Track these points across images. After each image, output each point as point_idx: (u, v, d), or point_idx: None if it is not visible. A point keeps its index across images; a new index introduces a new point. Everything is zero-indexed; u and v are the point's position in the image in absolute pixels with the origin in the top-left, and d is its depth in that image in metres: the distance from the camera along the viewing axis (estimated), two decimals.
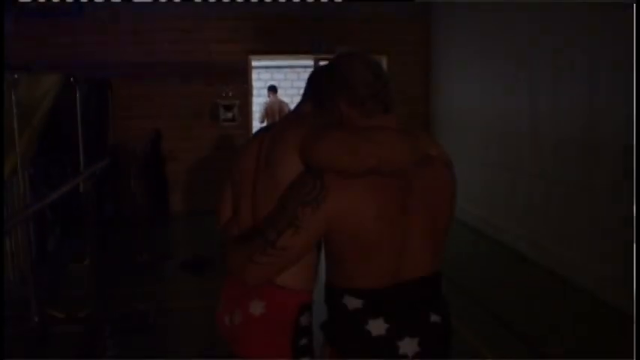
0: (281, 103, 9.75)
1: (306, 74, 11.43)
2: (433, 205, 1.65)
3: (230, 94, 7.90)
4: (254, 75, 10.23)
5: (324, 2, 7.54)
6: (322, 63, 8.71)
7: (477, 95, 7.00)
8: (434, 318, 1.64)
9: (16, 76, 3.89)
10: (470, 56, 7.17)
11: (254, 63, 8.89)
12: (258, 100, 10.69)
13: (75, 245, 5.60)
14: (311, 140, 1.61)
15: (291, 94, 10.85)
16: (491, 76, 6.67)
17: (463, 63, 7.39)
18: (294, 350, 1.75)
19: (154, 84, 7.69)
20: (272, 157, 1.75)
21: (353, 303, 1.61)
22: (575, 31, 5.08)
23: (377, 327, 1.59)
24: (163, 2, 7.26)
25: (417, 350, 1.61)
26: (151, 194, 7.26)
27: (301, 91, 2.06)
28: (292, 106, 2.14)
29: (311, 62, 8.88)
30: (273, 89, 9.82)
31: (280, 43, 7.96)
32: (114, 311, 4.28)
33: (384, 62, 8.36)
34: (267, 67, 10.78)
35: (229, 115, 7.85)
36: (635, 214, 3.14)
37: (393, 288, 1.60)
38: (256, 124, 9.04)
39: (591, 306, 4.52)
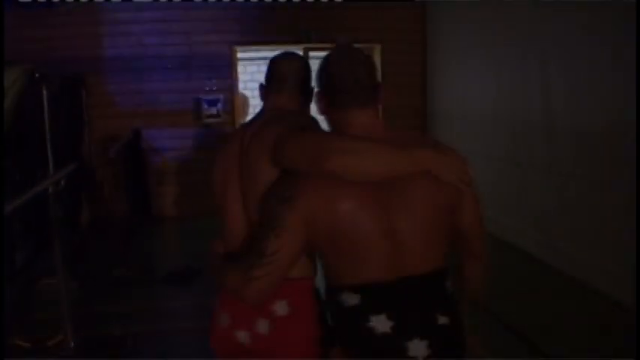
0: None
1: None
2: (431, 200, 1.55)
3: (214, 88, 7.37)
4: (239, 68, 9.69)
5: None
6: (312, 54, 8.22)
7: (481, 85, 6.55)
8: (442, 319, 1.53)
9: None
10: (471, 43, 6.71)
11: (240, 55, 8.38)
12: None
13: (49, 260, 5.07)
14: (280, 140, 1.61)
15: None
16: (497, 63, 6.19)
17: (463, 50, 6.93)
18: (326, 337, 1.69)
19: (131, 79, 7.15)
20: (251, 157, 1.72)
21: (351, 299, 1.54)
22: (593, 18, 4.62)
23: (381, 324, 1.50)
24: None
25: (428, 353, 1.50)
26: (130, 199, 6.75)
27: None
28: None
29: (299, 53, 8.39)
30: None
31: (267, 33, 7.45)
32: (88, 336, 3.78)
33: (377, 51, 7.88)
34: (252, 60, 10.23)
35: (213, 110, 7.32)
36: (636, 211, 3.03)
37: (392, 283, 1.52)
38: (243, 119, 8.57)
39: (605, 309, 4.22)
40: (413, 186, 1.52)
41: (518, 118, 5.78)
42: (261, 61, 10.35)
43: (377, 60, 7.93)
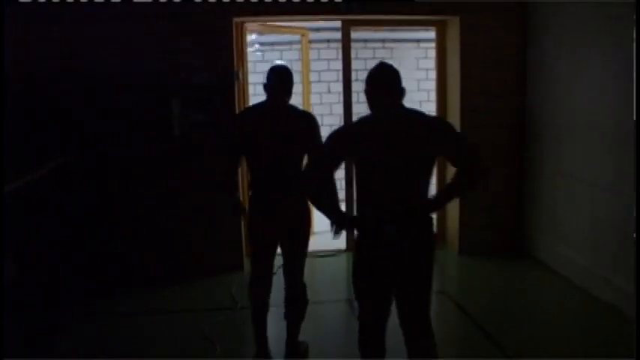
0: None
1: (329, 52, 8.33)
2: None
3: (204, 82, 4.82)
4: (253, 55, 7.15)
5: None
6: (354, 34, 5.63)
7: (598, 86, 4.18)
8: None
9: None
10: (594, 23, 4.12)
11: (251, 37, 5.86)
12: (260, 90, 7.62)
13: None
14: None
15: (311, 81, 7.73)
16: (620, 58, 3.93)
17: (586, 31, 4.31)
18: None
19: (78, 76, 4.68)
20: None
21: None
22: None
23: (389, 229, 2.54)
24: None
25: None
26: (72, 254, 4.33)
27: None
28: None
29: (336, 33, 5.83)
30: None
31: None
32: None
33: (454, 28, 5.25)
34: (272, 44, 7.68)
35: (201, 117, 4.77)
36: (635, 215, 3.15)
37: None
38: None
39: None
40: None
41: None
42: (284, 46, 7.78)
43: (453, 41, 5.28)
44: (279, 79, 3.16)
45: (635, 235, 3.67)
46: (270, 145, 3.12)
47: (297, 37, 6.59)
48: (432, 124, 2.65)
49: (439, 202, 2.78)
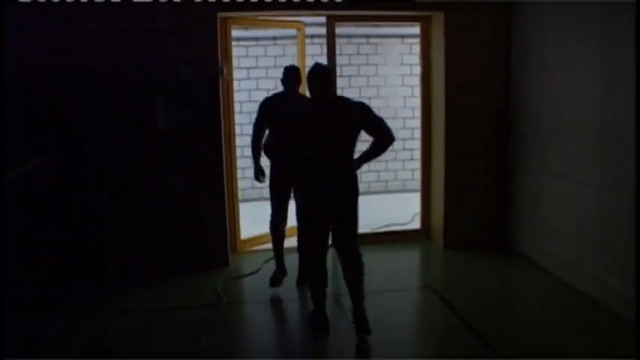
0: None
1: (313, 47, 8.16)
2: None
3: (189, 79, 4.78)
4: (238, 50, 7.12)
5: None
6: (339, 29, 5.61)
7: (588, 84, 4.11)
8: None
9: None
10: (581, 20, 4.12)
11: (236, 33, 5.81)
12: (247, 86, 7.59)
13: None
14: None
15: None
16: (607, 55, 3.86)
17: (569, 30, 4.33)
18: None
19: (63, 75, 4.62)
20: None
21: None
22: None
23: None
24: None
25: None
26: (59, 253, 4.27)
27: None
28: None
29: (321, 29, 5.81)
30: None
31: None
32: None
33: (438, 24, 5.25)
34: (257, 39, 7.65)
35: (187, 113, 4.75)
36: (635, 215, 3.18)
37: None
38: (244, 126, 5.95)
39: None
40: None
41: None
42: (268, 41, 7.74)
43: (438, 37, 5.28)
44: (291, 76, 4.39)
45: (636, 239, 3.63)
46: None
47: (280, 32, 6.51)
48: (355, 107, 3.55)
49: (361, 161, 3.57)
